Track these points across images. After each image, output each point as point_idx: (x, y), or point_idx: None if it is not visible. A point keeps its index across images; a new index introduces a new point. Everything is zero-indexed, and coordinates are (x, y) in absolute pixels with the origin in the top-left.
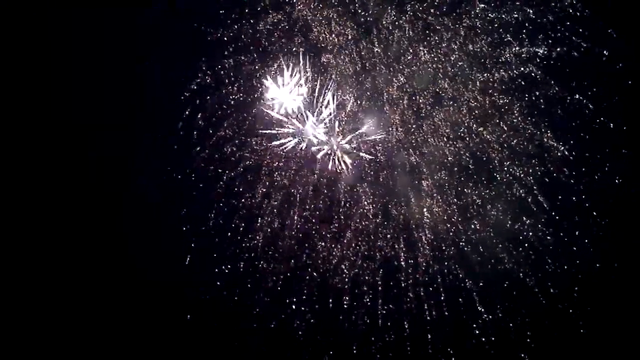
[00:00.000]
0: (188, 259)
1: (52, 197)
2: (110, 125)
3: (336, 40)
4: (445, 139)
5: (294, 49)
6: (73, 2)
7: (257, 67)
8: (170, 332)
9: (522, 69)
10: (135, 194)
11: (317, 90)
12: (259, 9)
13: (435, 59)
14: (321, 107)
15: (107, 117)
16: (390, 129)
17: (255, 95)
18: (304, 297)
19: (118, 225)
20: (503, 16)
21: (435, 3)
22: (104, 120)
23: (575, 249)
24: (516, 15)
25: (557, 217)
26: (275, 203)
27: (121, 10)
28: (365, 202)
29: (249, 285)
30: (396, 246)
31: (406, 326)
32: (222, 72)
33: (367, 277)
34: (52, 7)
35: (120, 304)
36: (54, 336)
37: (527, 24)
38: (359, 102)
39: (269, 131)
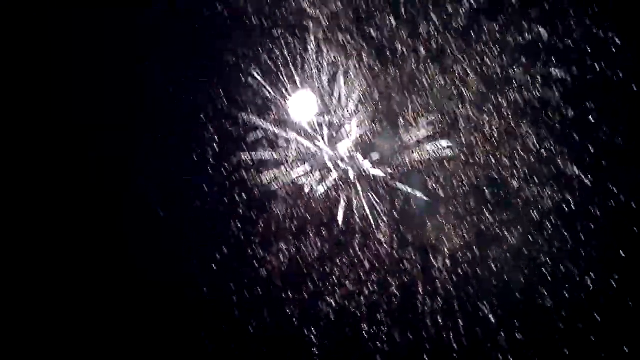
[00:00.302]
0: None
1: (52, 197)
2: (110, 125)
3: (351, 63)
4: (461, 163)
5: (306, 70)
6: (73, 2)
7: (270, 90)
8: (169, 335)
9: (538, 91)
10: (135, 194)
11: (330, 111)
12: (272, 30)
13: (451, 81)
14: (336, 129)
15: (107, 117)
16: (405, 151)
17: (268, 117)
18: (321, 323)
19: (118, 225)
20: (519, 38)
21: (450, 26)
22: (104, 120)
23: (593, 275)
24: (531, 37)
25: (574, 242)
26: (289, 227)
27: (121, 10)
28: (382, 226)
29: (265, 315)
30: (412, 272)
31: (424, 355)
32: (237, 96)
33: (384, 305)
34: (52, 7)
35: (119, 305)
36: (54, 336)
37: (543, 46)
38: (374, 125)
39: (277, 155)
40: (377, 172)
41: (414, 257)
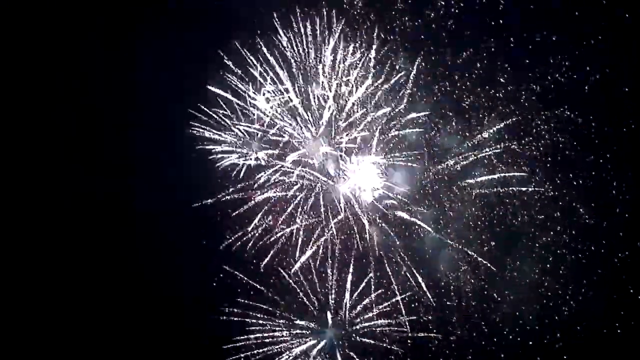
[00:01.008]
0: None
1: (52, 197)
2: (110, 125)
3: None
4: (473, 207)
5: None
6: (73, 2)
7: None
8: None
9: (549, 134)
10: (135, 193)
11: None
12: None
13: (465, 128)
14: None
15: (106, 116)
16: (418, 196)
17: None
18: None
19: (118, 226)
20: (530, 84)
21: (467, 85)
22: (104, 120)
23: (606, 322)
24: (542, 82)
25: (589, 288)
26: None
27: (120, 10)
28: (394, 269)
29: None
30: (426, 316)
31: None
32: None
33: (399, 352)
34: (52, 7)
35: (119, 308)
36: (53, 335)
37: (555, 89)
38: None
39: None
40: (403, 215)
41: (425, 298)
